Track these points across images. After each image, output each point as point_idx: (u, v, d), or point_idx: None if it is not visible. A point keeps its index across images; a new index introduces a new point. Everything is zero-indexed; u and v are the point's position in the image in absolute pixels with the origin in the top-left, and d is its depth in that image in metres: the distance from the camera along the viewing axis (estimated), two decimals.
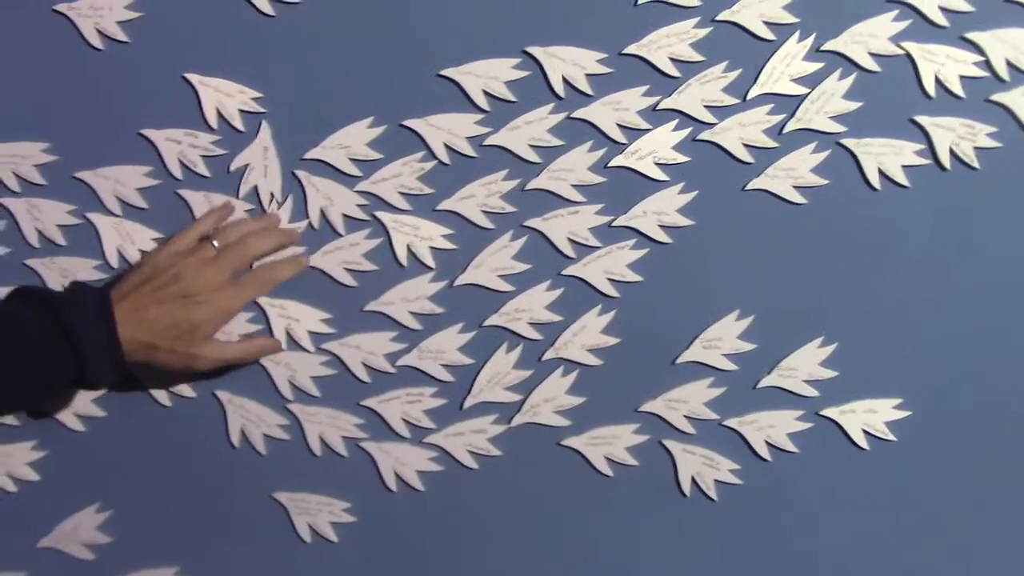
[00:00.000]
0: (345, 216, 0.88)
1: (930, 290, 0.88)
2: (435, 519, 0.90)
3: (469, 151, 0.87)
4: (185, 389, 0.90)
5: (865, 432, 0.89)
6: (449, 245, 0.88)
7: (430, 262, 0.88)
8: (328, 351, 0.89)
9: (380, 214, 0.88)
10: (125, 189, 0.89)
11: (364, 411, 0.90)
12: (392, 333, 0.89)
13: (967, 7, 0.86)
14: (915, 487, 0.90)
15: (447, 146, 0.88)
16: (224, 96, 0.88)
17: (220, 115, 0.88)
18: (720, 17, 0.86)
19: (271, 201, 0.87)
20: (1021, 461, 0.90)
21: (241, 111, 0.88)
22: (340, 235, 0.89)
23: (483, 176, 0.88)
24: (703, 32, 0.86)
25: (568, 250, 0.88)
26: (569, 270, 0.88)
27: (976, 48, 0.86)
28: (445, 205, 0.88)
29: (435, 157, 0.88)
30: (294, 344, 0.89)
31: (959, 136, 0.87)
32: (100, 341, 0.78)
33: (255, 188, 0.88)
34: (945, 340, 0.88)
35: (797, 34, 0.86)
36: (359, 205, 0.88)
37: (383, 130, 0.88)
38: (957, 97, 0.86)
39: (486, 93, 0.87)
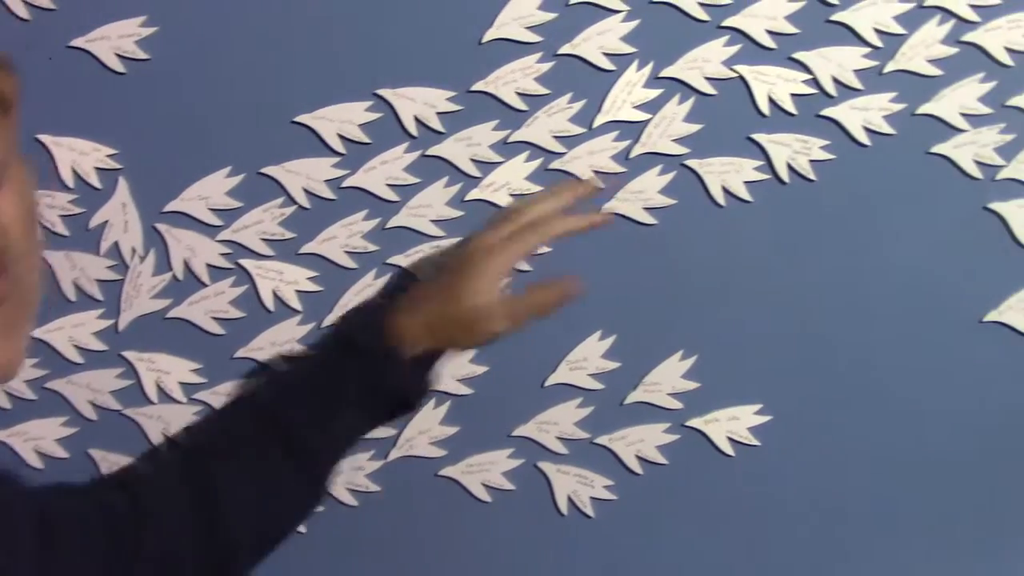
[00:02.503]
0: (209, 265, 0.89)
1: (778, 297, 0.92)
2: (318, 559, 0.91)
3: (328, 194, 0.89)
4: (58, 450, 0.89)
5: (730, 439, 0.93)
6: (315, 287, 0.90)
7: (297, 305, 0.90)
8: (201, 401, 0.90)
9: (244, 261, 0.89)
10: None
11: None
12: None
13: (792, 29, 0.90)
14: (782, 487, 0.94)
15: (306, 190, 0.89)
16: (79, 155, 0.88)
17: (76, 174, 0.88)
18: (561, 51, 0.89)
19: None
20: (875, 452, 0.95)
21: (97, 168, 0.88)
22: (205, 284, 0.89)
23: (344, 217, 0.89)
24: (546, 66, 0.89)
25: None
26: None
27: (804, 67, 0.91)
28: (308, 248, 0.89)
29: (295, 202, 0.89)
30: (166, 397, 0.89)
31: (795, 151, 0.91)
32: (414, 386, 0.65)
33: (115, 244, 0.88)
34: (796, 344, 0.92)
35: (636, 63, 0.90)
36: (222, 254, 0.89)
37: (241, 179, 0.89)
38: (790, 114, 0.91)
39: (341, 136, 0.89)
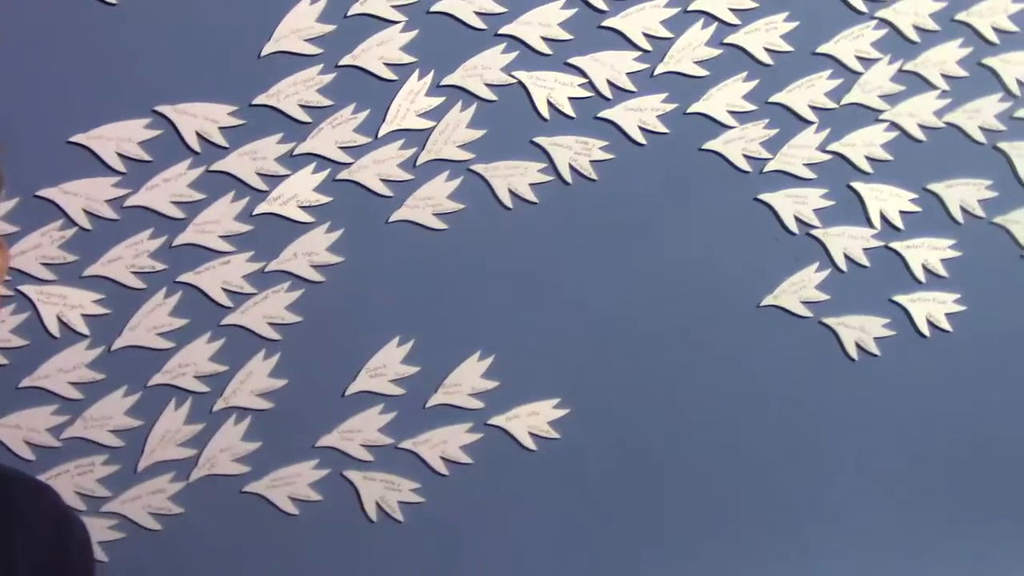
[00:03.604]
0: None
1: (568, 293, 0.95)
2: None
3: (110, 214, 0.87)
4: None
5: (531, 434, 0.95)
6: (101, 310, 0.87)
7: (84, 329, 0.87)
8: None
9: (24, 287, 0.86)
10: None
11: None
12: (53, 406, 0.87)
13: (566, 35, 0.94)
14: (584, 476, 0.97)
15: (86, 211, 0.87)
16: None
17: None
18: (342, 63, 0.90)
19: None
20: (671, 435, 0.99)
21: None
22: None
23: (128, 237, 0.88)
24: (328, 78, 0.90)
25: (224, 300, 0.89)
26: (228, 319, 0.89)
27: (579, 71, 0.95)
28: (92, 271, 0.87)
29: (75, 224, 0.87)
30: None
31: (576, 152, 0.95)
32: None
33: None
34: (588, 337, 0.96)
35: (417, 72, 0.92)
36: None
37: (16, 202, 0.86)
38: (569, 117, 0.95)
39: (120, 155, 0.87)
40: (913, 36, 1.02)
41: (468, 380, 0.94)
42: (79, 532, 0.59)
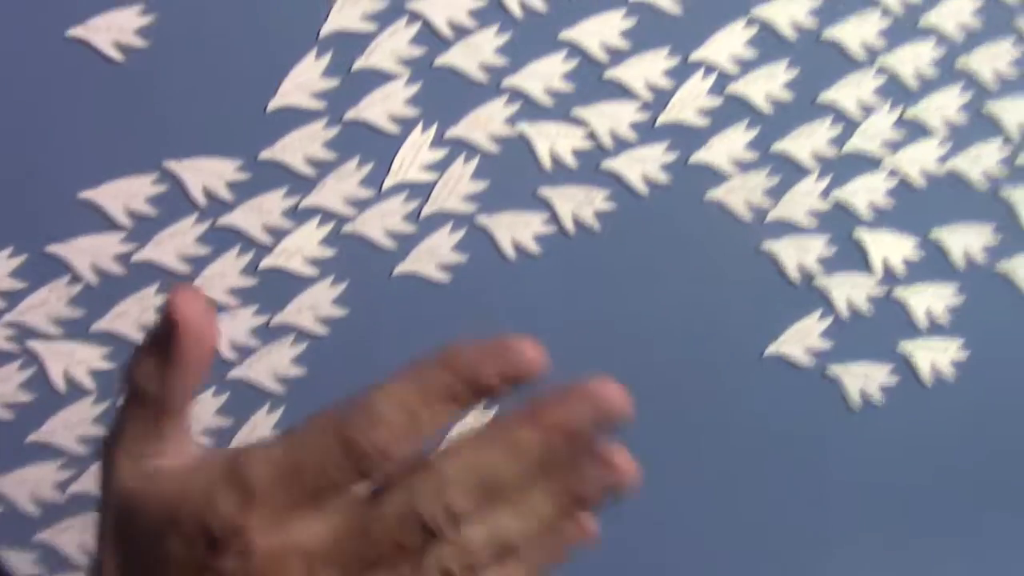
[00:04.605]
0: None
1: (571, 344, 0.95)
2: None
3: (118, 269, 0.88)
4: None
5: None
6: (108, 365, 0.88)
7: (90, 385, 0.88)
8: None
9: (32, 343, 0.87)
10: None
11: (37, 546, 0.88)
12: (59, 461, 0.88)
13: (569, 87, 0.95)
14: None
15: (94, 267, 0.88)
16: None
17: None
18: (347, 117, 0.91)
19: None
20: (675, 489, 0.99)
21: None
22: None
23: (135, 292, 0.88)
24: (333, 132, 0.91)
25: (230, 354, 0.90)
26: (234, 373, 0.90)
27: (582, 123, 0.95)
28: (99, 326, 0.88)
29: (82, 279, 0.87)
30: None
31: (579, 203, 0.96)
32: None
33: None
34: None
35: (420, 125, 0.92)
36: (8, 337, 0.87)
37: (24, 259, 0.87)
38: (572, 168, 0.95)
39: (128, 211, 0.88)
40: (913, 83, 1.03)
41: None
42: None
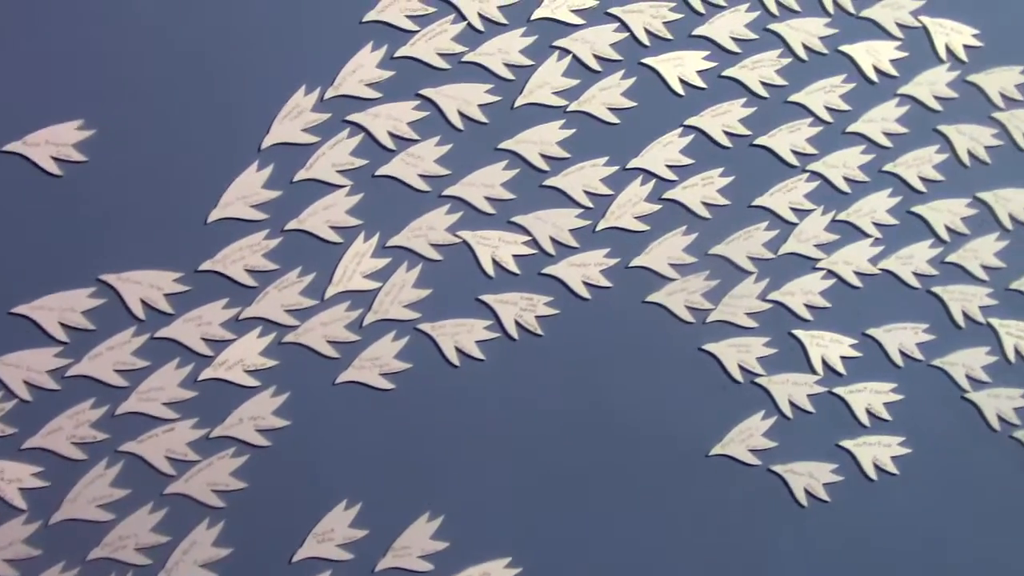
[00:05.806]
0: None
1: (517, 449, 0.95)
2: None
3: (51, 384, 0.86)
4: None
5: None
6: (41, 483, 0.85)
7: (21, 504, 0.85)
8: None
9: None
10: None
11: None
12: None
13: (509, 195, 0.96)
14: None
15: (27, 383, 0.86)
16: None
17: None
18: (288, 227, 0.91)
19: None
20: None
21: None
22: None
23: (69, 407, 0.86)
24: (274, 242, 0.91)
25: (168, 468, 0.87)
26: (171, 488, 0.88)
27: (523, 229, 0.97)
28: (31, 443, 0.85)
29: (15, 396, 0.85)
30: None
31: (521, 308, 0.96)
32: None
33: None
34: (539, 493, 0.95)
35: (363, 234, 0.93)
36: None
37: None
38: (513, 274, 0.96)
39: (63, 325, 0.86)
40: (844, 187, 1.06)
41: (418, 542, 0.92)
42: None
